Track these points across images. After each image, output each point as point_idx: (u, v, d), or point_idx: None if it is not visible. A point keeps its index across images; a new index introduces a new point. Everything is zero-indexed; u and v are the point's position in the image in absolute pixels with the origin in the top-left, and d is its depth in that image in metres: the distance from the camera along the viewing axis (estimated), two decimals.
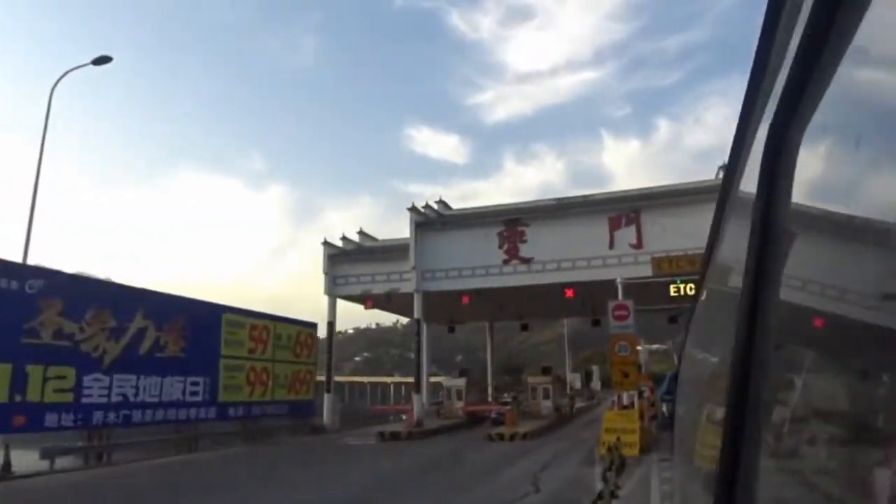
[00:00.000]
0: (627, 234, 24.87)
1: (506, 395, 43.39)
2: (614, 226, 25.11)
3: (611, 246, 25.00)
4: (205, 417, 20.68)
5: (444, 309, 35.72)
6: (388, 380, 67.07)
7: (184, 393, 19.64)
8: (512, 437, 22.48)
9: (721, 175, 25.24)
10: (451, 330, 42.48)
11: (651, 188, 25.67)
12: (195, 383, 20.18)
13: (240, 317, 22.76)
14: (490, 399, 39.89)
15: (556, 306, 33.00)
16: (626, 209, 25.07)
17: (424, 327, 40.79)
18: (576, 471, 14.80)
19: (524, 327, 38.91)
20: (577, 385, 75.84)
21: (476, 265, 26.97)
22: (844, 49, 0.63)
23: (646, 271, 23.76)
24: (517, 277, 26.37)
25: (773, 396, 1.02)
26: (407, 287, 27.83)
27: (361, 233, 31.90)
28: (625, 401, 21.14)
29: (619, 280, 21.76)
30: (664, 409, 22.57)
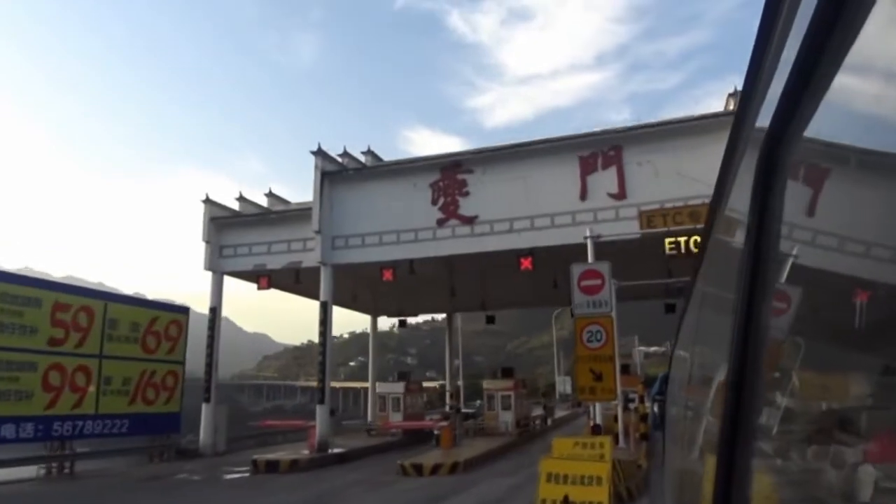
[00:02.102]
0: (605, 180, 17.73)
1: (473, 404, 36.49)
2: (587, 168, 17.97)
3: (583, 196, 17.85)
4: None
5: (388, 293, 28.66)
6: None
7: None
8: (434, 470, 15.24)
9: (732, 105, 17.90)
10: (402, 324, 35.47)
11: (638, 123, 18.49)
12: None
13: (29, 289, 15.46)
14: (448, 409, 32.88)
15: (517, 287, 25.82)
16: (603, 146, 17.94)
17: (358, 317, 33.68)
18: None
19: (489, 320, 31.58)
20: (567, 390, 68.64)
21: (402, 228, 19.77)
22: None
23: (631, 229, 16.71)
24: (456, 243, 19.18)
25: (773, 393, 0.94)
26: (310, 260, 20.60)
27: (271, 195, 24.65)
28: (597, 417, 13.96)
29: (587, 235, 14.52)
30: (655, 409, 18.10)
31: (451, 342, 33.35)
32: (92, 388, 16.72)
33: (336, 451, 19.10)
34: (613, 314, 15.90)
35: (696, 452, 1.87)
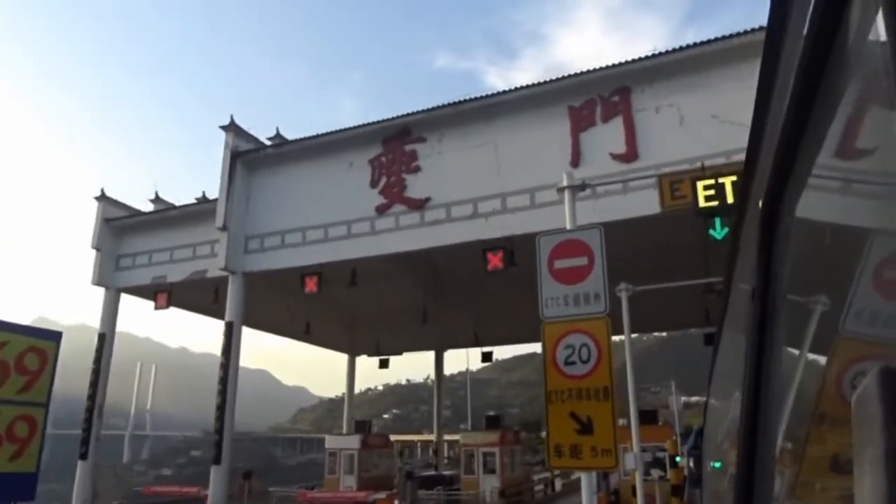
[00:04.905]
0: (607, 137, 12.22)
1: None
2: (581, 123, 12.51)
3: (575, 162, 12.34)
4: None
5: (358, 325, 23.43)
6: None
7: None
8: None
9: None
10: (384, 364, 29.68)
11: (653, 52, 13.00)
12: None
13: None
14: (435, 468, 26.90)
15: (515, 317, 20.10)
16: (603, 90, 12.52)
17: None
18: None
19: (486, 357, 25.71)
20: None
21: (331, 221, 14.50)
22: None
23: (647, 205, 11.13)
24: (400, 237, 13.74)
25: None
26: (216, 267, 15.41)
27: (205, 200, 19.67)
28: (584, 496, 8.05)
29: (564, 184, 8.82)
30: (691, 464, 14.80)
31: (440, 385, 27.39)
32: None
33: None
34: (625, 321, 10.29)
35: None
